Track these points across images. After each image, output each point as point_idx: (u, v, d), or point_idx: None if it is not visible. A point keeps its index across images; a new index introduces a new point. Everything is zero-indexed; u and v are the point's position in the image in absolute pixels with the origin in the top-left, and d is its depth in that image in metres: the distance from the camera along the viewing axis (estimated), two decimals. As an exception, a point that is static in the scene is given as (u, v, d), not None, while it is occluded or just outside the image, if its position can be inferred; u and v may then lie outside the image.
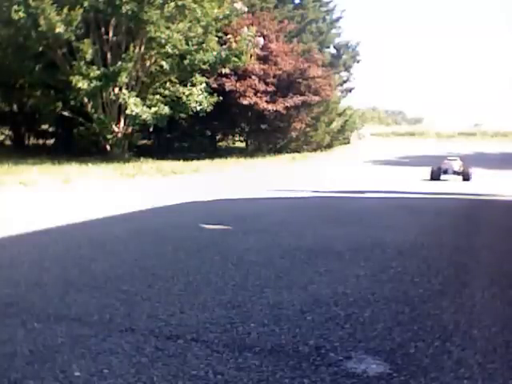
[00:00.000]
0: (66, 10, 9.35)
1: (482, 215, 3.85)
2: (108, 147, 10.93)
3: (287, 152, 14.82)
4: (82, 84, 9.52)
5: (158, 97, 11.01)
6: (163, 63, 10.77)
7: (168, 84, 11.31)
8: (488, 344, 1.24)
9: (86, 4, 9.46)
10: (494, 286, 1.78)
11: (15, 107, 14.52)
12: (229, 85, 12.56)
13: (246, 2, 12.14)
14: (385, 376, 1.08)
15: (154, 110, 10.52)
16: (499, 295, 1.67)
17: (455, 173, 7.51)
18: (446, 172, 7.52)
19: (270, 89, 13.14)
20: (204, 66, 10.83)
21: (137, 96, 10.38)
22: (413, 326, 1.36)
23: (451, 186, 6.33)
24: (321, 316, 1.43)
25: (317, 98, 14.13)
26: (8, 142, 16.38)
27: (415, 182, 5.23)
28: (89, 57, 9.81)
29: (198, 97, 11.11)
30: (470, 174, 7.58)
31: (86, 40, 9.73)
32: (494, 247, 2.57)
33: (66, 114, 11.18)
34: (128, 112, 10.28)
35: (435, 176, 7.46)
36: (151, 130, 12.04)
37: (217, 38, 11.10)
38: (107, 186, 5.84)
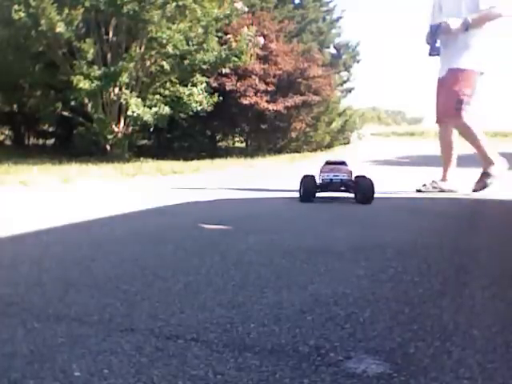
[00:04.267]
0: (66, 10, 9.36)
1: (486, 215, 3.86)
2: (108, 147, 10.94)
3: (287, 152, 14.84)
4: (83, 84, 9.54)
5: (158, 97, 11.02)
6: (163, 63, 10.78)
7: (168, 84, 11.31)
8: (488, 344, 1.24)
9: (87, 3, 9.47)
10: (494, 286, 1.77)
11: (15, 107, 14.54)
12: (229, 84, 12.56)
13: (246, 1, 12.15)
14: (385, 376, 1.08)
15: (154, 110, 10.53)
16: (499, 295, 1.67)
17: (343, 185, 4.07)
18: (327, 185, 4.09)
19: (271, 88, 13.15)
20: (204, 66, 10.84)
21: (137, 96, 10.39)
22: (413, 325, 1.36)
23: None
24: (321, 316, 1.43)
25: (317, 98, 14.14)
26: (8, 142, 16.39)
27: (415, 182, 5.24)
28: (90, 57, 9.82)
29: (199, 96, 11.12)
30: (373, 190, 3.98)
31: (87, 40, 9.74)
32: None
33: (66, 114, 11.19)
34: (129, 113, 10.30)
35: (307, 192, 4.03)
36: (151, 130, 12.04)
37: (217, 38, 11.12)
38: (107, 186, 5.84)
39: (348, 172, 4.17)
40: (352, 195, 4.12)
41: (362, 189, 4.00)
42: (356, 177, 4.11)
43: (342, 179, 4.09)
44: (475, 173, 5.04)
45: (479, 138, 4.93)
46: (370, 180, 4.04)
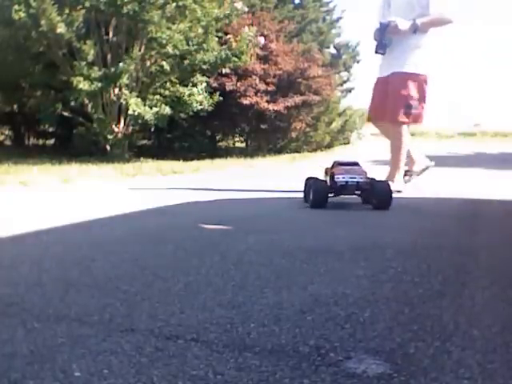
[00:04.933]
0: (67, 11, 9.37)
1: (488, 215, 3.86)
2: (108, 147, 10.95)
3: (287, 152, 14.84)
4: (83, 85, 9.55)
5: (158, 97, 11.03)
6: (164, 63, 10.79)
7: (168, 84, 11.32)
8: (488, 344, 1.24)
9: (87, 4, 9.48)
10: (494, 286, 1.77)
11: (15, 107, 14.56)
12: (229, 84, 12.57)
13: (246, 1, 12.17)
14: (385, 376, 1.08)
15: (155, 110, 10.54)
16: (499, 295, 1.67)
17: (359, 188, 3.69)
18: (342, 188, 3.70)
19: (271, 88, 13.16)
20: (204, 66, 10.85)
21: (137, 96, 10.40)
22: (413, 326, 1.36)
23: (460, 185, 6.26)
24: (321, 316, 1.43)
25: (317, 98, 14.14)
26: (8, 142, 16.39)
27: (415, 182, 5.24)
28: (90, 57, 9.84)
29: (199, 96, 11.13)
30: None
31: (88, 41, 9.75)
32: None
33: (66, 114, 11.20)
34: (130, 113, 10.31)
35: (320, 196, 3.66)
36: (152, 130, 12.05)
37: (217, 38, 11.13)
38: (107, 186, 5.84)
39: (364, 174, 3.75)
40: (359, 199, 3.84)
41: (380, 193, 3.64)
42: (369, 179, 3.74)
43: (358, 182, 3.67)
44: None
45: (401, 152, 5.04)
46: (386, 183, 3.77)
